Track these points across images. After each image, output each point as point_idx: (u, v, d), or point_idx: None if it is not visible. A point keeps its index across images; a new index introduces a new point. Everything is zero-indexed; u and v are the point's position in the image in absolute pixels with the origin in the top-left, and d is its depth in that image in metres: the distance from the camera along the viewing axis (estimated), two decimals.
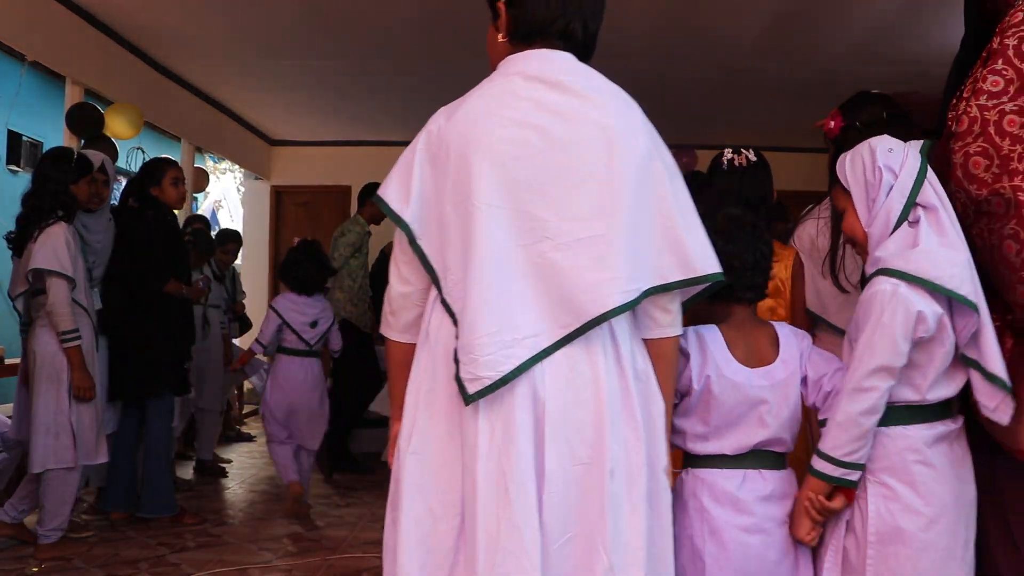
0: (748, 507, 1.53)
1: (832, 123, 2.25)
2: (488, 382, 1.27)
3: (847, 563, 1.52)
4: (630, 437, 1.31)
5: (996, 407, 1.45)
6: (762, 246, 1.67)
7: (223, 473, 4.95)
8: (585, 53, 1.44)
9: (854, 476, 1.47)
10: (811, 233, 2.26)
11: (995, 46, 1.54)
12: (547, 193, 1.31)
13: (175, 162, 4.05)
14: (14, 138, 6.39)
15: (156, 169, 3.91)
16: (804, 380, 1.62)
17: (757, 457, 1.57)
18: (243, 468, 5.17)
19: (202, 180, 6.77)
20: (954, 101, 1.64)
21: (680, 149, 7.59)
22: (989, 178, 1.49)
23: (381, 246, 6.73)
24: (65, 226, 3.22)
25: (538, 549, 1.25)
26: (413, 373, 1.40)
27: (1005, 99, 1.49)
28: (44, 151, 3.98)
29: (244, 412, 6.82)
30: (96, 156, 3.56)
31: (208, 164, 9.62)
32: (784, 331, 1.66)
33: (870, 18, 4.40)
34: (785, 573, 1.55)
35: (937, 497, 1.46)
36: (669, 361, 1.40)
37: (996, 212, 1.49)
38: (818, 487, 1.50)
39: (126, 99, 4.84)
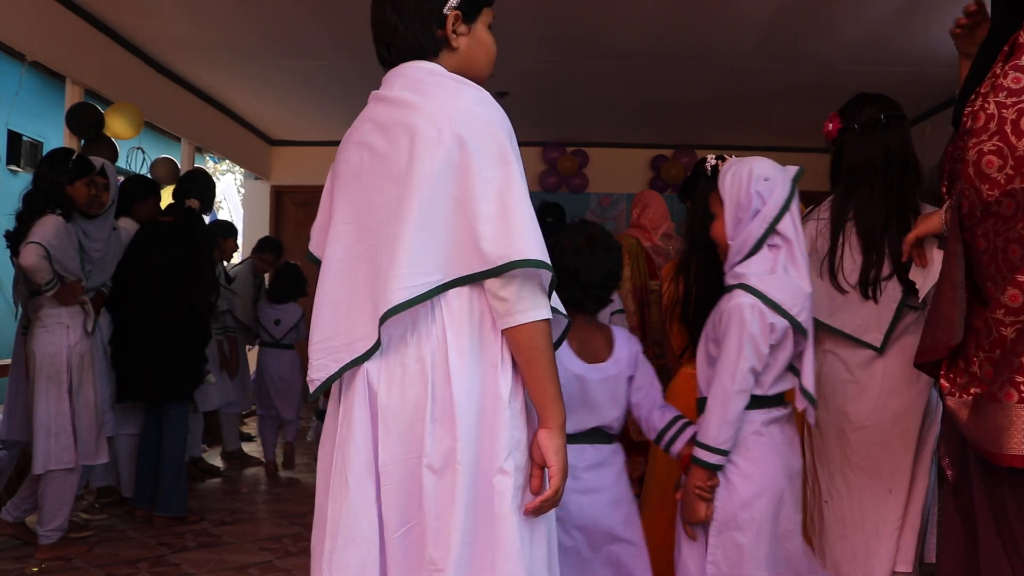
0: (581, 474, 1.87)
1: (830, 125, 2.26)
2: (317, 383, 1.41)
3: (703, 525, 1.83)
4: (446, 434, 1.31)
5: (803, 409, 1.84)
6: (612, 266, 1.96)
7: (217, 473, 4.97)
8: (422, 56, 1.46)
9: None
10: (811, 235, 2.26)
11: (1020, 40, 1.48)
12: (373, 203, 1.39)
13: None
14: (14, 138, 6.40)
15: (214, 187, 4.12)
16: (630, 379, 1.96)
17: (591, 435, 1.92)
18: (245, 467, 5.18)
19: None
20: (972, 97, 1.60)
21: (680, 149, 7.60)
22: (1002, 178, 1.44)
23: None
24: (59, 218, 3.22)
25: (376, 538, 1.34)
26: None
27: None
28: (44, 151, 3.97)
29: (244, 413, 6.82)
30: (96, 161, 3.56)
31: (208, 164, 9.62)
32: (621, 335, 1.98)
33: (869, 19, 4.40)
34: (618, 521, 1.91)
35: (768, 465, 1.79)
36: (520, 351, 1.33)
37: (1005, 214, 1.44)
38: (705, 475, 1.78)
39: (126, 99, 4.84)
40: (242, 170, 8.52)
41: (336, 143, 1.46)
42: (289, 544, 3.56)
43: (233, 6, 4.47)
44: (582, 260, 1.92)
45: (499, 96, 6.33)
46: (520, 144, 1.39)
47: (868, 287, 2.14)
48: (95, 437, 3.33)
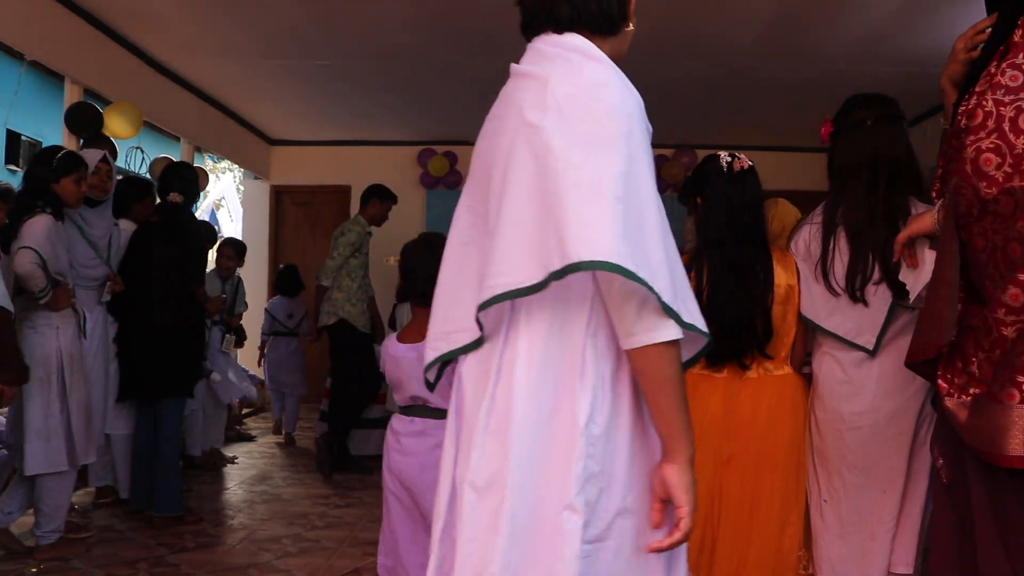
0: (403, 440, 2.32)
1: (823, 129, 2.27)
2: (428, 379, 1.39)
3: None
4: (497, 451, 1.17)
5: None
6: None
7: (209, 467, 5.00)
8: (598, 27, 1.32)
9: None
10: (806, 238, 2.27)
11: (1016, 39, 1.48)
12: (485, 188, 1.27)
13: None
14: (13, 138, 6.40)
15: (197, 177, 4.04)
16: None
17: (419, 409, 2.32)
18: (243, 468, 5.17)
19: (202, 180, 6.76)
20: (966, 97, 1.59)
21: (680, 149, 7.59)
22: (1000, 176, 1.43)
23: (382, 247, 6.76)
24: (49, 218, 3.17)
25: (436, 545, 1.25)
26: None
27: (1023, 95, 1.43)
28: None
29: (244, 412, 6.82)
30: (96, 153, 3.55)
31: (208, 164, 9.61)
32: None
33: (869, 18, 4.40)
34: (423, 485, 2.23)
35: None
36: (639, 376, 1.17)
37: (1003, 212, 1.43)
38: None
39: (125, 99, 4.83)
40: (242, 170, 8.50)
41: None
42: (289, 544, 3.55)
43: (233, 6, 4.46)
44: (419, 261, 2.32)
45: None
46: None
47: (856, 290, 2.16)
48: (85, 438, 3.28)
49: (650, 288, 1.09)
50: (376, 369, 5.06)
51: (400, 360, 2.31)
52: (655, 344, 1.13)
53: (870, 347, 2.16)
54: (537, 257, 1.14)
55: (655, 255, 1.12)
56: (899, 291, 2.10)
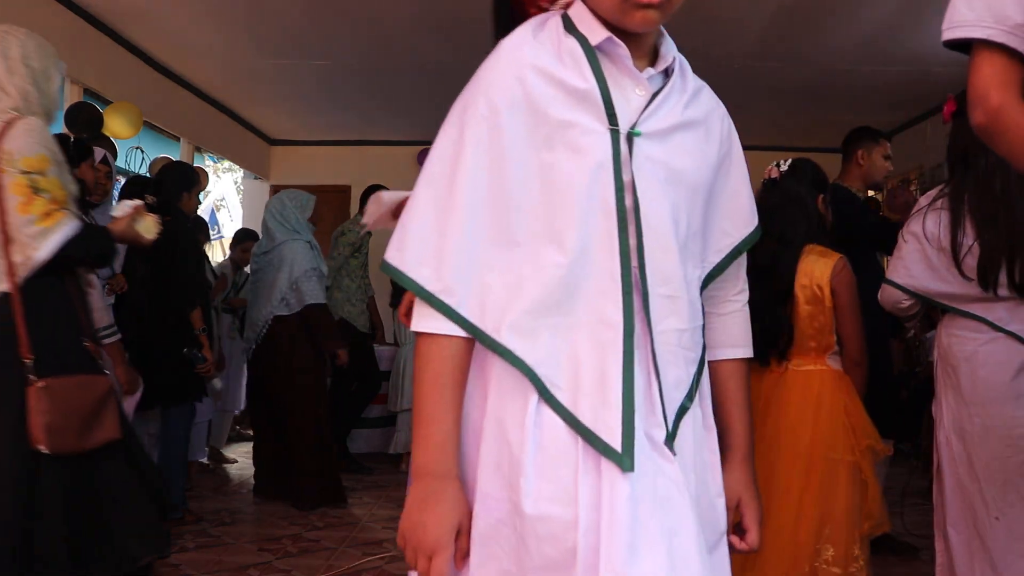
0: None
1: (946, 108, 2.16)
2: None
3: None
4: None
5: None
6: None
7: (205, 469, 4.98)
8: None
9: None
10: (936, 224, 2.15)
11: None
12: None
13: None
14: None
15: (191, 178, 3.94)
16: None
17: None
18: (243, 468, 5.17)
19: (202, 180, 6.75)
20: None
21: None
22: None
23: (382, 247, 6.74)
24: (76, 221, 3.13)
25: None
26: None
27: None
28: None
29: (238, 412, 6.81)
30: (97, 151, 3.54)
31: (208, 164, 9.61)
32: None
33: (871, 18, 4.40)
34: None
35: None
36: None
37: None
38: None
39: (125, 99, 4.83)
40: (242, 170, 8.50)
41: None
42: (288, 544, 3.55)
43: (233, 7, 4.47)
44: None
45: None
46: None
47: (990, 285, 2.02)
48: None
49: (403, 275, 1.02)
50: (376, 369, 5.06)
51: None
52: (417, 333, 1.03)
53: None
54: None
55: (437, 239, 1.01)
56: None
